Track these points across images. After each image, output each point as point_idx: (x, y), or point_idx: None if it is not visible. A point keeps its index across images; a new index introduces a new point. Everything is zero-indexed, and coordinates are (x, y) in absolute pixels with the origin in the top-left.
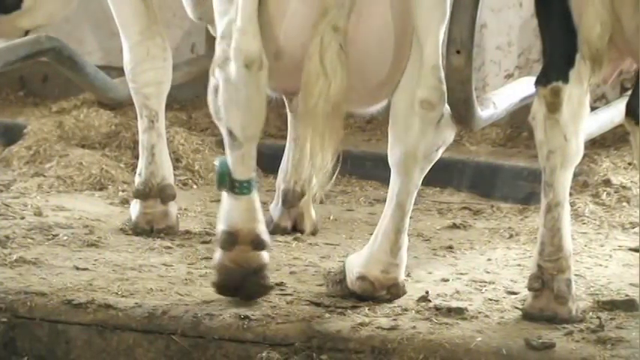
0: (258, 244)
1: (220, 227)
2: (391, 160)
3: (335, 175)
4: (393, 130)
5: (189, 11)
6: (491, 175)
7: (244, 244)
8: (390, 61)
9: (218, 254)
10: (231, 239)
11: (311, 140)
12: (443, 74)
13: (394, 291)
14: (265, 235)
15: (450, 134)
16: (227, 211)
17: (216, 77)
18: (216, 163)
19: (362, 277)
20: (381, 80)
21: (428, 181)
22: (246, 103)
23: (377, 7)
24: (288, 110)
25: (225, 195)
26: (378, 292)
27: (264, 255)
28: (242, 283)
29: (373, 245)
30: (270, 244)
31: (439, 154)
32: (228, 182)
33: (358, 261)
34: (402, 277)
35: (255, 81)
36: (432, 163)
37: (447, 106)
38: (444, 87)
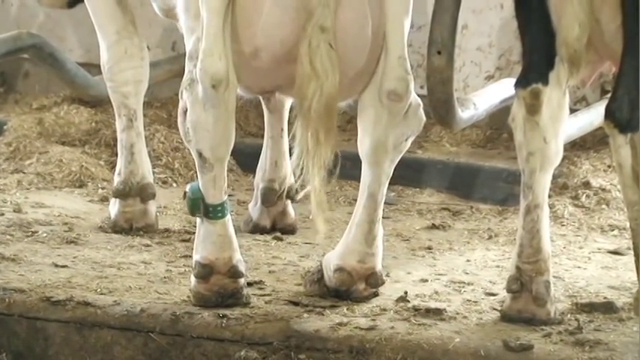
0: (234, 274)
1: (195, 257)
2: (361, 152)
3: (335, 175)
4: (361, 122)
5: (156, 7)
6: (470, 176)
7: (220, 274)
8: (367, 52)
9: (193, 282)
10: (206, 271)
11: (308, 141)
12: (409, 65)
13: (373, 281)
14: (241, 265)
15: (418, 123)
16: (202, 240)
17: (184, 99)
18: (187, 189)
19: (339, 269)
20: (359, 71)
21: (407, 182)
22: (215, 124)
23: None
24: (265, 109)
25: (198, 221)
26: (356, 283)
27: (241, 280)
28: (219, 304)
29: (348, 237)
30: (246, 247)
31: (409, 144)
32: (202, 208)
33: (335, 255)
34: (379, 266)
35: (223, 101)
36: (402, 153)
37: (414, 96)
38: (411, 77)
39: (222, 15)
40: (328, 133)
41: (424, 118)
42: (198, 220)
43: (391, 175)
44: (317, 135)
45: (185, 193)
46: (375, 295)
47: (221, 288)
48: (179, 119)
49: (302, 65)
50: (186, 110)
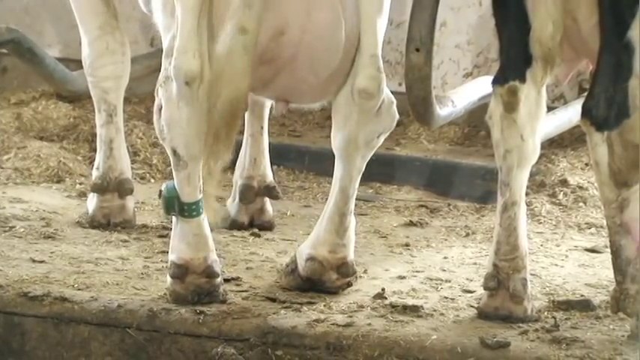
0: (210, 274)
1: (171, 257)
2: (334, 147)
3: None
4: (334, 118)
5: (142, 4)
6: (448, 173)
7: (195, 274)
8: (340, 53)
9: (169, 281)
10: (181, 271)
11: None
12: (381, 63)
13: (344, 270)
14: (216, 265)
15: (391, 121)
16: (177, 239)
17: (159, 97)
18: (163, 188)
19: (311, 258)
20: (332, 72)
21: (385, 179)
22: (189, 122)
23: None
24: None
25: (174, 221)
26: (328, 272)
27: (217, 279)
28: (196, 303)
29: (319, 228)
30: (224, 243)
31: (381, 141)
32: (177, 206)
33: (307, 244)
34: (350, 256)
35: (197, 98)
36: (375, 149)
37: (388, 93)
38: (382, 76)
39: (196, 13)
40: (229, 133)
41: (397, 116)
42: (173, 219)
43: (363, 169)
44: (217, 133)
45: (160, 191)
46: (349, 285)
47: (197, 287)
48: (154, 117)
49: (214, 62)
50: (162, 108)
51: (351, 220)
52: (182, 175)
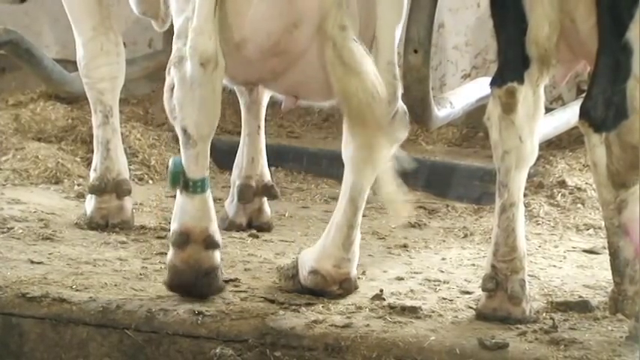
0: (210, 244)
1: (173, 226)
2: (345, 156)
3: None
4: (346, 126)
5: (134, 6)
6: (446, 174)
7: (196, 243)
8: None
9: (170, 253)
10: (182, 239)
11: (366, 131)
12: (398, 71)
13: (346, 286)
14: (217, 235)
15: (403, 131)
16: (180, 211)
17: (171, 76)
18: (170, 161)
19: (314, 272)
20: None
21: None
22: (201, 102)
23: None
24: (242, 106)
25: (178, 194)
26: (330, 286)
27: (216, 255)
28: (193, 283)
29: (326, 240)
30: (222, 244)
31: (392, 151)
32: (182, 181)
33: (311, 256)
34: (354, 271)
35: (211, 80)
36: (386, 159)
37: (401, 103)
38: (398, 83)
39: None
40: (379, 119)
41: (409, 126)
42: (177, 193)
43: (373, 180)
44: (371, 123)
45: (168, 165)
46: (349, 293)
47: (196, 263)
48: (165, 95)
49: (334, 67)
50: (173, 87)
51: (357, 235)
52: (190, 153)
